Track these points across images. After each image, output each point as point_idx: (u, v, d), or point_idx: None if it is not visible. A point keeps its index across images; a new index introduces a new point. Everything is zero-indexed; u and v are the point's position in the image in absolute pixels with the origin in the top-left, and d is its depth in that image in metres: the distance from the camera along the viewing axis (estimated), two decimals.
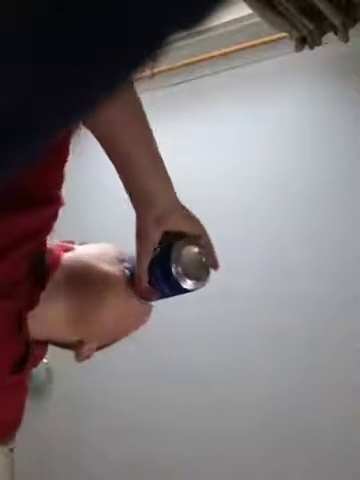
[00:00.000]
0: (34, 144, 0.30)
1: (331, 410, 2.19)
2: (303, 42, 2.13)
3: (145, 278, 0.83)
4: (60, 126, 0.30)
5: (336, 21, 2.02)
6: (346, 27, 2.04)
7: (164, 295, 0.87)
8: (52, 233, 0.84)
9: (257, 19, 2.22)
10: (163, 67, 2.48)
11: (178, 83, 2.66)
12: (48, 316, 0.81)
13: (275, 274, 2.34)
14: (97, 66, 0.27)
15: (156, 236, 0.83)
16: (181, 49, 2.34)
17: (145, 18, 0.25)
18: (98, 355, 0.93)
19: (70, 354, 0.91)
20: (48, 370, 2.68)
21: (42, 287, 0.80)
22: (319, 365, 2.23)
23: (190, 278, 0.84)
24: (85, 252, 0.88)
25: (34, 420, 2.35)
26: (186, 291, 0.85)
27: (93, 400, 2.69)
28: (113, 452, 2.61)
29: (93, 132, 0.78)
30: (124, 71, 0.28)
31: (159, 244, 0.85)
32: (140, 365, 2.52)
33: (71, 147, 0.77)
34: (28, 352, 0.78)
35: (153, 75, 2.54)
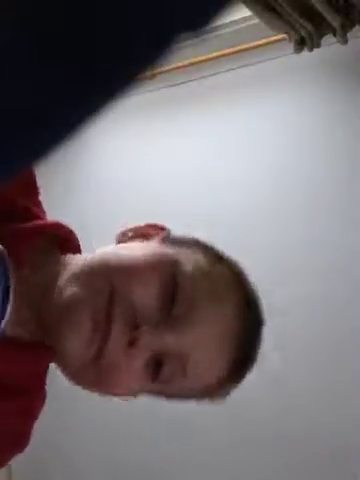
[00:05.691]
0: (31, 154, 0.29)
1: (332, 411, 2.20)
2: (302, 44, 2.14)
3: None
4: (62, 135, 0.29)
5: (335, 23, 2.02)
6: (345, 29, 2.05)
7: None
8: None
9: (256, 21, 2.23)
10: (164, 68, 2.49)
11: (178, 84, 2.67)
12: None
13: (277, 276, 2.34)
14: (99, 70, 0.27)
15: None
16: (181, 50, 2.35)
17: (149, 20, 0.26)
18: None
19: None
20: None
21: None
22: (319, 367, 2.24)
23: None
24: None
25: None
26: None
27: (90, 399, 2.70)
28: (109, 451, 2.61)
29: None
30: (127, 75, 0.28)
31: None
32: None
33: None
34: None
35: (154, 76, 2.55)
